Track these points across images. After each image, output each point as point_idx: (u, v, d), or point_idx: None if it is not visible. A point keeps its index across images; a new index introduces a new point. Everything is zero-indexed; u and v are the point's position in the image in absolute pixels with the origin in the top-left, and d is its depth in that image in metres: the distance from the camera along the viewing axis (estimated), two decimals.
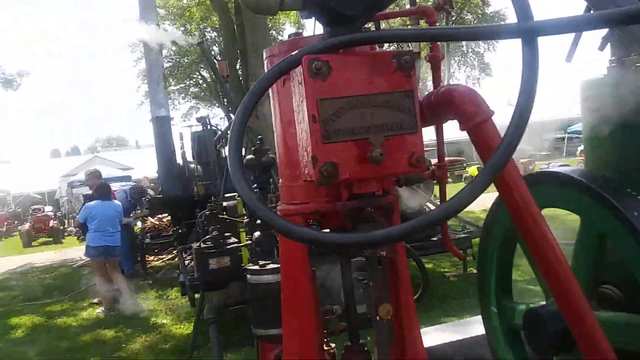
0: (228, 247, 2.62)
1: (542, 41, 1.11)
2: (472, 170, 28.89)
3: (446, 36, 1.20)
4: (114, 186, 18.83)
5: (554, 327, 2.23)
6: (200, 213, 2.61)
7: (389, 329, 1.44)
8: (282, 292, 1.48)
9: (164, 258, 14.06)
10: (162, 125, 11.81)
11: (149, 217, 14.49)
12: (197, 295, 7.38)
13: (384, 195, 1.37)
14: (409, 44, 2.07)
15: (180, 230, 11.00)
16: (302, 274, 1.45)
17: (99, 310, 10.17)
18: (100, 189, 10.47)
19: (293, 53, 1.29)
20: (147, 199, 12.83)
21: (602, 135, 2.37)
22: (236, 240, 2.70)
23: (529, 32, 1.07)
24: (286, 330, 1.47)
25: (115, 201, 10.81)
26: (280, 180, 1.55)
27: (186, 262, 8.22)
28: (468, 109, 1.35)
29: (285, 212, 1.51)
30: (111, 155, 46.01)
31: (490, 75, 45.02)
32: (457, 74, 45.29)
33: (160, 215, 14.59)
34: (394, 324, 1.48)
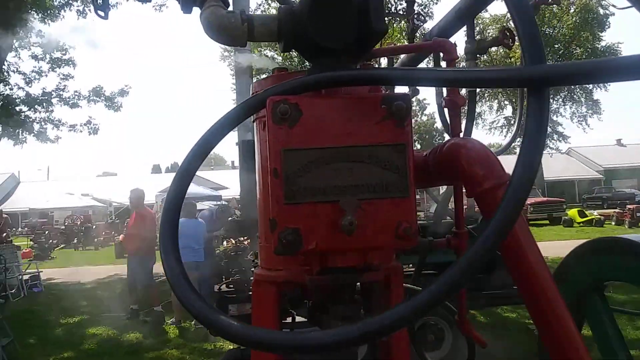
0: (251, 292, 2.40)
1: None
2: (572, 212, 27.22)
3: (433, 81, 0.94)
4: (204, 204, 19.37)
5: None
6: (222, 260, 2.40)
7: None
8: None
9: None
10: (247, 149, 11.92)
11: (231, 239, 14.65)
12: None
13: (365, 271, 1.11)
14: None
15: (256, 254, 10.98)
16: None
17: (170, 321, 10.47)
18: (187, 207, 10.84)
19: (258, 93, 1.07)
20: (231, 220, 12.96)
21: None
22: None
23: (537, 80, 0.79)
24: None
25: (199, 219, 11.08)
26: (258, 238, 1.33)
27: None
28: (476, 171, 1.07)
29: (258, 277, 1.28)
30: (207, 173, 47.59)
31: (599, 113, 42.52)
32: (562, 111, 43.26)
33: (241, 238, 14.72)
34: None
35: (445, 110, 1.34)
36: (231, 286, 2.18)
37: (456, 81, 0.94)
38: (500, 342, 7.82)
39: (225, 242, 14.74)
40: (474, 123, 1.80)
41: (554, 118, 43.23)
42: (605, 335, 2.21)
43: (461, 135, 1.82)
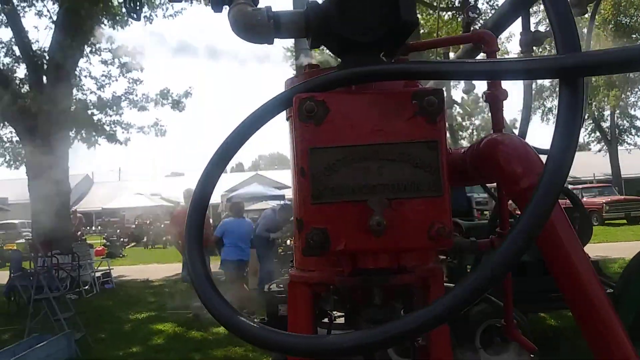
0: None
1: None
2: None
3: (462, 74, 0.88)
4: (268, 204, 19.59)
5: None
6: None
7: None
8: None
9: None
10: None
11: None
12: None
13: (400, 272, 1.06)
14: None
15: None
16: None
17: None
18: (235, 207, 11.25)
19: (285, 90, 1.05)
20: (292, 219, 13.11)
21: None
22: None
23: (569, 70, 0.73)
24: None
25: (247, 219, 11.34)
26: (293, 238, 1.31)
27: None
28: (514, 169, 1.00)
29: (292, 278, 1.26)
30: (271, 173, 48.21)
31: None
32: None
33: None
34: None
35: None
36: (281, 286, 2.18)
37: (487, 73, 0.88)
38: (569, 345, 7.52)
39: (288, 242, 14.93)
40: (530, 120, 1.71)
41: (632, 112, 41.22)
42: None
43: (515, 132, 1.74)
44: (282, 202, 20.86)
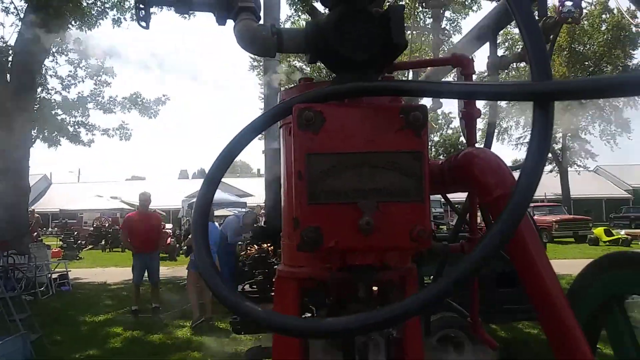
0: (273, 294, 2.48)
1: None
2: (598, 231, 26.73)
3: (439, 93, 1.00)
4: (230, 211, 19.54)
5: None
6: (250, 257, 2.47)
7: None
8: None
9: None
10: (273, 158, 12.07)
11: (254, 245, 14.79)
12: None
13: (383, 269, 1.18)
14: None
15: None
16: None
17: (195, 324, 10.69)
18: None
19: (285, 100, 1.15)
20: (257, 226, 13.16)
21: None
22: None
23: (541, 95, 0.85)
24: None
25: (216, 223, 11.67)
26: (282, 237, 1.40)
27: None
28: (488, 180, 1.13)
29: (280, 273, 1.36)
30: (233, 180, 47.96)
31: (629, 132, 41.67)
32: (591, 129, 42.61)
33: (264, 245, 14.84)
34: None
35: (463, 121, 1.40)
36: (254, 287, 2.25)
37: (465, 94, 1.00)
38: (519, 357, 7.78)
39: (248, 249, 14.93)
40: (494, 136, 1.85)
41: (582, 135, 42.58)
42: (625, 350, 2.23)
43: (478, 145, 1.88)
44: (243, 209, 20.87)
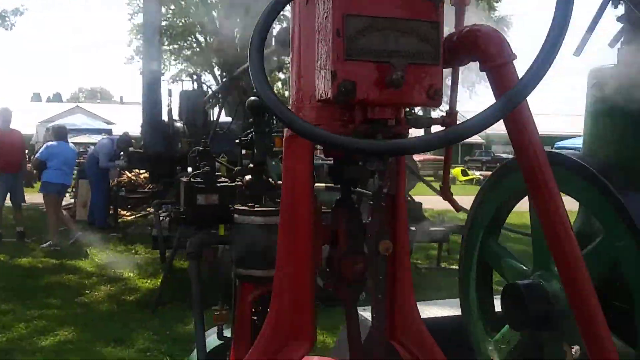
0: (218, 185, 2.59)
1: None
2: (455, 171, 29.21)
3: None
4: (97, 137, 18.63)
5: (535, 301, 2.24)
6: (193, 149, 2.53)
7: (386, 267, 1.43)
8: (281, 213, 1.46)
9: (136, 214, 13.99)
10: (152, 79, 11.64)
11: (126, 172, 14.37)
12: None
13: (396, 125, 1.36)
14: None
15: (157, 188, 10.92)
16: (303, 194, 1.42)
17: (44, 245, 10.59)
18: (59, 130, 11.07)
19: None
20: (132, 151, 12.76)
21: (608, 124, 2.38)
22: (227, 180, 2.66)
23: None
24: (281, 252, 1.46)
25: (71, 144, 11.57)
26: (290, 101, 1.52)
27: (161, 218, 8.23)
28: (490, 50, 1.34)
29: (292, 132, 1.48)
30: (94, 107, 45.31)
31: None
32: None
33: (137, 171, 14.47)
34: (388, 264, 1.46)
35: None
36: (199, 178, 2.33)
37: None
38: None
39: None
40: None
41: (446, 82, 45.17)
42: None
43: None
44: (110, 136, 19.99)
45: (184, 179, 2.53)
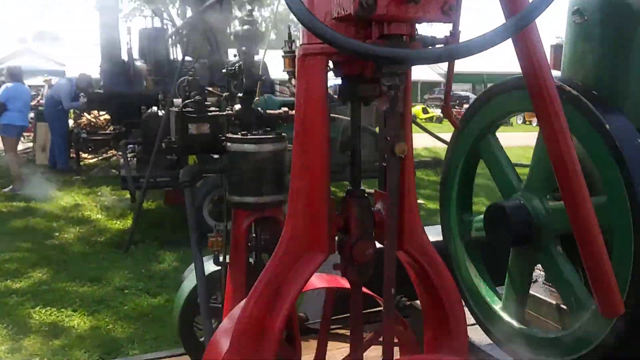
0: (209, 114, 2.60)
1: None
2: (417, 111, 29.67)
3: None
4: (54, 79, 18.02)
5: (517, 219, 2.37)
6: (181, 79, 2.48)
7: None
8: (295, 127, 1.50)
9: (98, 157, 13.77)
10: (109, 15, 11.23)
11: (85, 113, 14.03)
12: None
13: (410, 41, 1.41)
14: None
15: (119, 129, 10.70)
16: (318, 109, 1.47)
17: (6, 189, 10.51)
18: (14, 71, 10.99)
19: None
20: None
21: (587, 49, 2.47)
22: (217, 109, 2.67)
23: None
24: (296, 166, 1.50)
25: (26, 85, 11.35)
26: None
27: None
28: None
29: (305, 50, 1.51)
30: (44, 49, 43.36)
31: None
32: None
33: (96, 113, 14.14)
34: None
35: None
36: (189, 108, 2.33)
37: None
38: None
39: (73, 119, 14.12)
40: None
41: None
42: (498, 164, 2.74)
43: None
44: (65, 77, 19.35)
45: (174, 109, 2.53)
